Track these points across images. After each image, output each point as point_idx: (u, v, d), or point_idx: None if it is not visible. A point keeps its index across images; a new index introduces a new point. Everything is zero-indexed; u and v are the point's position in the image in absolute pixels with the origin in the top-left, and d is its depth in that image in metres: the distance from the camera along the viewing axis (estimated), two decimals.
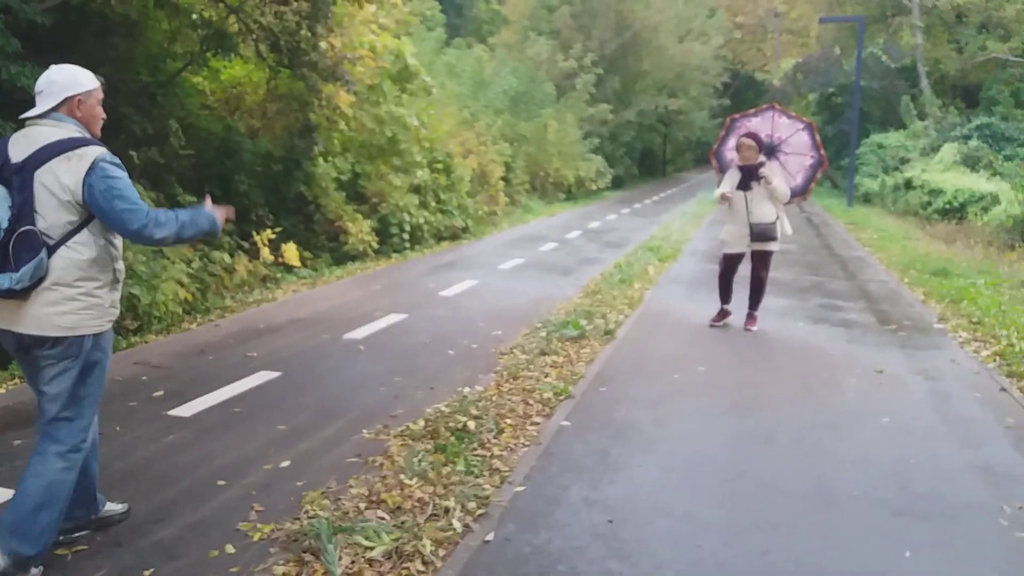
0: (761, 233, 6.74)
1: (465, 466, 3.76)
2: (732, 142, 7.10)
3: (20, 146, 2.79)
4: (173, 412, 4.58)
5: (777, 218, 6.77)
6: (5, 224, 2.69)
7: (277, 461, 3.93)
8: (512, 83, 21.83)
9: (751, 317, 7.11)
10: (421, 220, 12.38)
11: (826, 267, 11.25)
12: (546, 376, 5.34)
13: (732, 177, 6.86)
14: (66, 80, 2.87)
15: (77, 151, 2.77)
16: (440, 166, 13.76)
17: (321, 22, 9.86)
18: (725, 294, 7.25)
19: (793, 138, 7.09)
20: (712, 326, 7.17)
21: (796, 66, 34.55)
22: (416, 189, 12.81)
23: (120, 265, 2.99)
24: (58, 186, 2.74)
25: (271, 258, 9.35)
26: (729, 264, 7.14)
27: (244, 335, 6.50)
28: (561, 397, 4.89)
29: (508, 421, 4.44)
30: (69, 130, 2.83)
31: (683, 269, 10.53)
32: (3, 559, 2.76)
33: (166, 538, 3.19)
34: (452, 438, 4.11)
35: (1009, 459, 4.14)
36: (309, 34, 9.72)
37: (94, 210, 2.77)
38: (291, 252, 9.53)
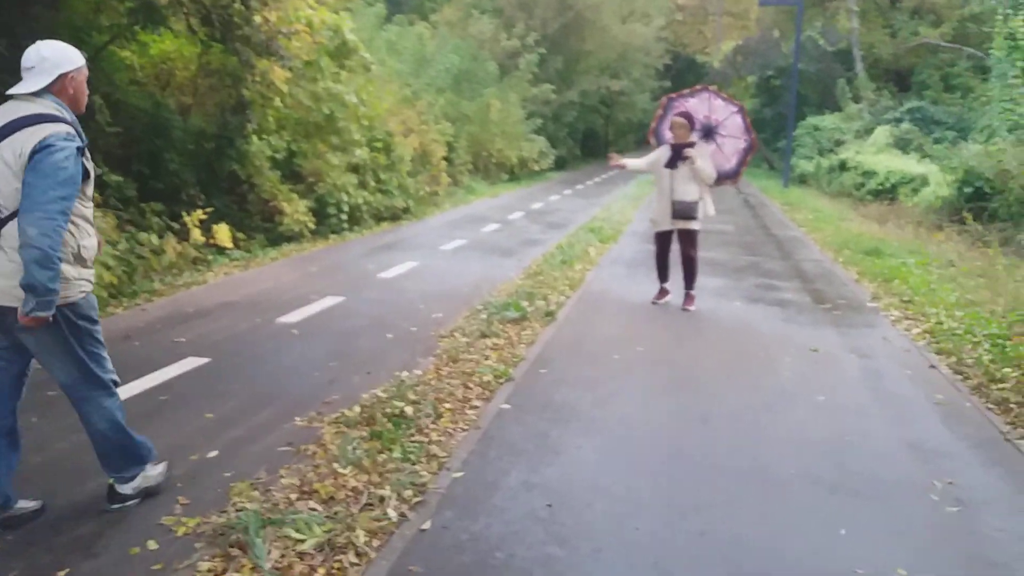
0: (682, 211, 6.84)
1: (402, 453, 3.67)
2: (669, 121, 7.14)
3: (1, 118, 2.81)
4: None
5: (700, 198, 6.87)
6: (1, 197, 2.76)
7: (204, 451, 3.76)
8: (455, 61, 21.54)
9: (688, 297, 7.17)
10: (360, 200, 12.13)
11: (762, 247, 11.41)
12: (486, 359, 5.26)
13: (662, 153, 6.97)
14: (57, 56, 2.88)
15: (35, 127, 2.77)
16: (380, 145, 13.48)
17: None
18: (662, 273, 7.34)
19: (728, 120, 7.18)
20: (654, 303, 7.26)
21: (736, 48, 35.02)
22: (355, 168, 12.53)
23: (88, 243, 2.98)
24: (13, 157, 2.75)
25: (202, 239, 9.04)
26: (661, 243, 7.23)
27: (172, 319, 6.25)
28: (501, 380, 4.82)
29: (447, 405, 4.35)
30: (46, 106, 2.85)
31: (623, 250, 10.56)
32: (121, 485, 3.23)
33: (84, 535, 3.02)
34: (389, 424, 4.00)
35: (939, 436, 4.23)
36: (242, 7, 9.37)
37: (24, 183, 2.73)
38: (223, 233, 9.22)
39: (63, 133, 2.78)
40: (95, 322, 3.11)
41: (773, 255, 10.66)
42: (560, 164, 29.33)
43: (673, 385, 4.87)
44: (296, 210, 10.68)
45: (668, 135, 7.13)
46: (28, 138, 2.74)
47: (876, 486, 3.56)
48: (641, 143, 59.17)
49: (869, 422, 4.39)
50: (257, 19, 9.66)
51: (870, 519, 3.24)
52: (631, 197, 18.98)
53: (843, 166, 23.08)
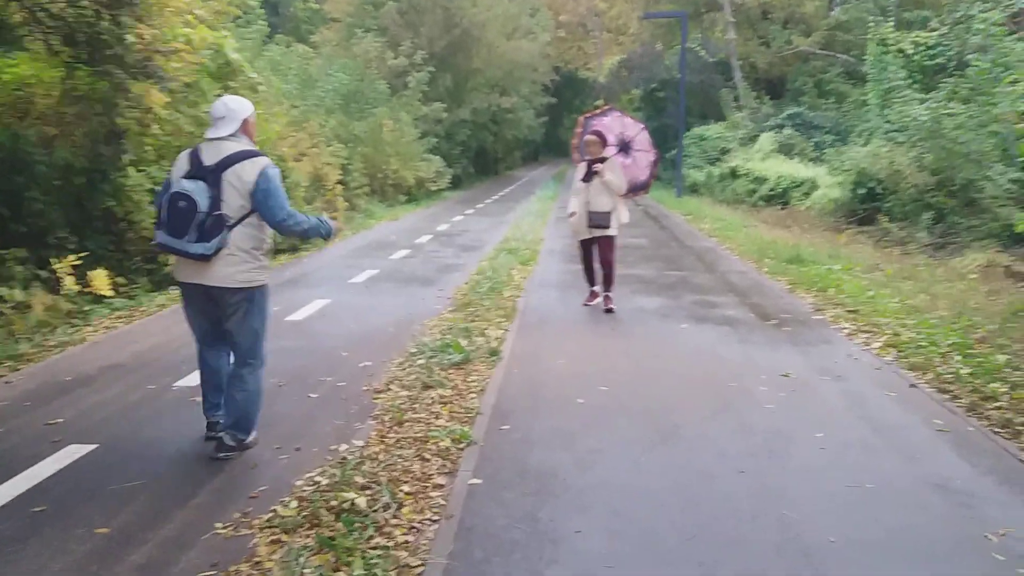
0: (597, 221, 7.41)
1: (364, 568, 2.87)
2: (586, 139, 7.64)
3: (209, 154, 3.78)
4: None
5: (613, 208, 7.43)
6: (206, 208, 3.67)
7: None
8: (343, 80, 20.53)
9: (607, 298, 7.67)
10: None
11: (683, 260, 11.11)
12: (437, 418, 4.50)
13: (581, 170, 7.60)
14: (240, 108, 3.90)
15: (252, 159, 3.79)
16: None
17: (126, 10, 8.43)
18: (589, 277, 7.92)
19: (639, 136, 7.85)
20: (585, 305, 7.80)
21: (621, 63, 35.48)
22: None
23: (270, 242, 4.05)
24: (239, 183, 3.74)
25: (76, 288, 7.84)
26: (584, 250, 7.79)
27: (45, 393, 5.17)
28: (461, 445, 4.08)
29: (405, 488, 3.57)
30: (244, 144, 3.85)
31: (547, 272, 9.99)
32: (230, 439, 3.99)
33: None
34: (338, 524, 3.20)
35: (960, 471, 3.80)
36: (112, 24, 8.27)
37: (255, 201, 3.77)
38: (100, 279, 8.03)
39: (270, 163, 3.87)
40: (268, 307, 4.09)
41: (697, 268, 10.35)
42: (456, 183, 28.66)
43: (657, 435, 4.27)
44: None
45: (586, 152, 7.62)
46: (250, 168, 3.77)
47: (928, 546, 3.06)
48: (527, 159, 59.58)
49: (881, 461, 3.93)
50: (130, 37, 8.56)
51: None
52: (535, 213, 18.53)
53: (734, 173, 23.48)
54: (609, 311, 7.50)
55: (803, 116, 26.16)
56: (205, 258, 3.70)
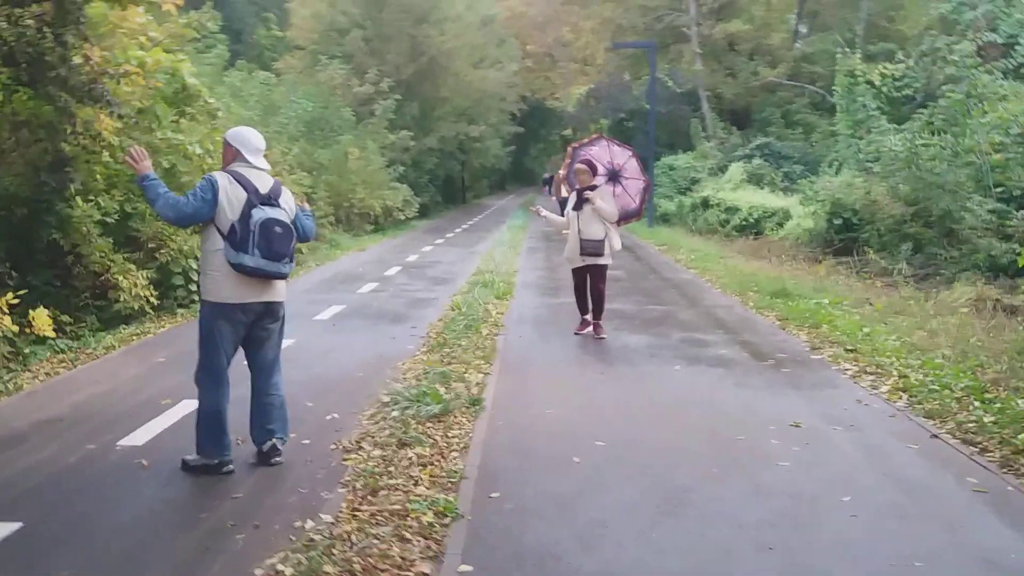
0: (590, 249, 7.39)
1: None
2: (575, 168, 7.61)
3: (261, 183, 4.11)
4: None
5: (605, 236, 7.39)
6: (295, 234, 4.19)
7: None
8: (307, 107, 20.01)
9: (597, 326, 7.68)
10: None
11: (663, 294, 10.73)
12: (416, 484, 3.96)
13: (571, 199, 7.54)
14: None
15: (284, 187, 4.25)
16: None
17: (71, 29, 7.86)
18: (582, 305, 7.79)
19: (628, 164, 7.79)
20: (576, 334, 7.71)
21: (589, 92, 35.42)
22: None
23: None
24: (288, 208, 4.20)
25: (14, 329, 7.17)
26: (578, 278, 7.74)
27: None
28: (446, 519, 3.55)
29: None
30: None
31: (524, 307, 9.51)
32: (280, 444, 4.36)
33: None
34: None
35: (1010, 542, 3.37)
36: (55, 44, 7.69)
37: (295, 225, 4.22)
38: (41, 319, 7.29)
39: None
40: None
41: (679, 302, 9.95)
42: (424, 212, 28.21)
43: (664, 501, 3.78)
44: (134, 284, 8.86)
45: (575, 181, 7.60)
46: (289, 195, 4.27)
47: None
48: (494, 188, 59.36)
49: (921, 531, 3.48)
50: (77, 59, 7.99)
51: None
52: (508, 244, 18.10)
53: (706, 204, 23.33)
54: (599, 339, 7.51)
55: (772, 146, 26.20)
56: (285, 277, 4.16)
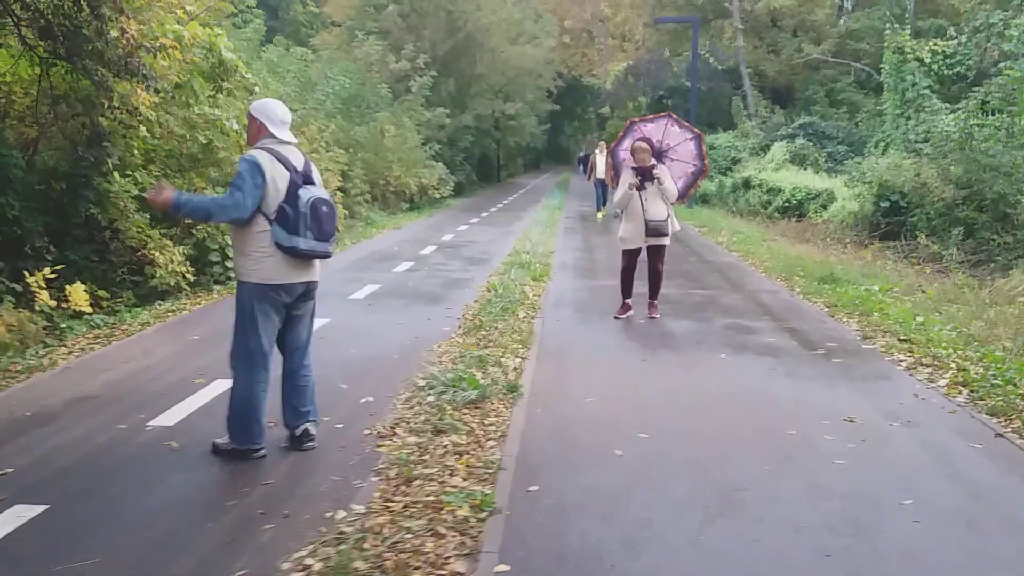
0: (655, 229, 7.21)
1: None
2: (627, 143, 7.45)
3: (295, 158, 3.97)
4: None
5: (668, 216, 7.29)
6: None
7: None
8: (344, 83, 19.86)
9: (652, 306, 7.59)
10: None
11: (706, 277, 10.43)
12: (452, 474, 3.80)
13: (628, 177, 7.25)
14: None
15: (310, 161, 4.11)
16: None
17: (107, 1, 7.76)
18: (627, 289, 7.60)
19: (680, 146, 7.65)
20: (616, 319, 7.50)
21: (627, 69, 34.82)
22: None
23: None
24: (320, 183, 4.08)
25: (51, 304, 7.17)
26: (630, 260, 7.52)
27: None
28: (482, 513, 3.39)
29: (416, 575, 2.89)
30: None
31: (562, 289, 9.30)
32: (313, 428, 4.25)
33: None
34: None
35: None
36: (92, 16, 7.60)
37: None
38: (77, 294, 7.35)
39: None
40: None
41: (723, 287, 9.66)
42: (458, 191, 28.00)
43: (715, 500, 3.58)
44: (171, 260, 8.84)
45: (623, 155, 7.50)
46: (316, 169, 4.10)
47: None
48: (529, 166, 58.85)
49: (990, 540, 3.24)
50: (113, 32, 7.90)
51: None
52: (544, 223, 17.85)
53: (747, 184, 22.81)
54: (653, 318, 7.46)
55: (815, 126, 25.54)
56: (328, 256, 4.02)
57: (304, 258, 3.92)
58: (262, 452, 4.08)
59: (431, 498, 3.53)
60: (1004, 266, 11.02)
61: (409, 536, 3.17)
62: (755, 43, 31.52)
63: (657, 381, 5.56)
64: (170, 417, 4.72)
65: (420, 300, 8.60)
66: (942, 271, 11.66)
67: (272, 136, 3.95)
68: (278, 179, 3.84)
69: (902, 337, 6.64)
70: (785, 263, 11.02)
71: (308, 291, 4.11)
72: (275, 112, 3.98)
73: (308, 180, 3.94)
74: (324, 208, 3.87)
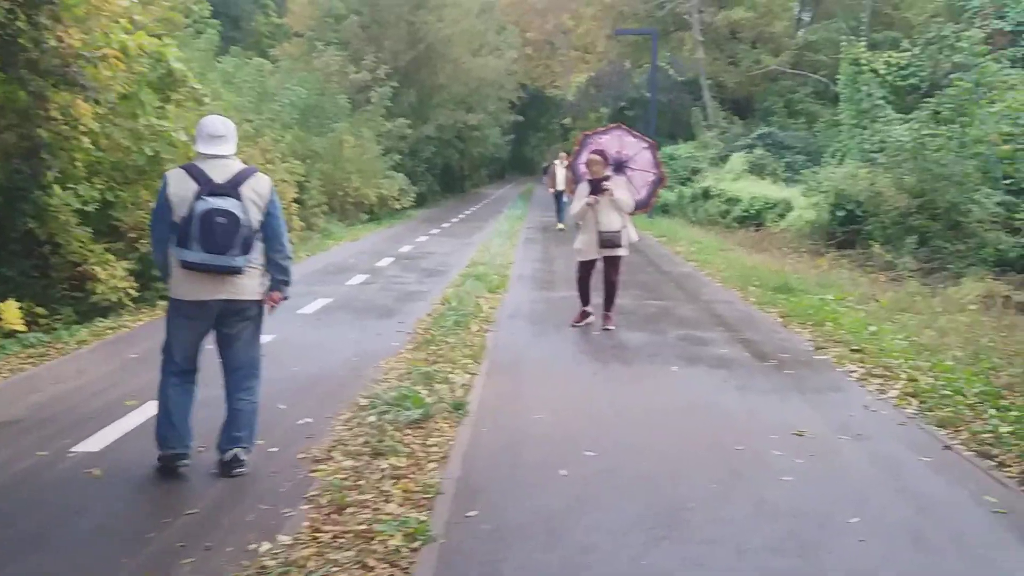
0: (608, 240, 7.24)
1: None
2: (585, 156, 7.47)
3: (217, 172, 3.85)
4: None
5: (623, 227, 7.31)
6: (248, 224, 3.80)
7: None
8: (301, 93, 19.59)
9: (607, 317, 7.52)
10: None
11: (662, 287, 10.40)
12: (387, 500, 3.64)
13: (583, 190, 7.33)
14: (233, 129, 4.00)
15: (259, 174, 3.98)
16: None
17: (44, 10, 7.52)
18: (584, 297, 7.65)
19: (639, 156, 7.76)
20: (573, 326, 7.57)
21: (589, 80, 34.97)
22: None
23: None
24: (258, 197, 3.89)
25: None
26: (584, 271, 7.56)
27: None
28: (416, 543, 3.23)
29: None
30: (239, 162, 3.99)
31: (519, 301, 9.18)
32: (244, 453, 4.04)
33: None
34: None
35: None
36: (28, 25, 7.35)
37: (267, 216, 3.93)
38: (10, 312, 7.01)
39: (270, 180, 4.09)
40: None
41: (678, 297, 9.63)
42: (420, 201, 27.79)
43: (659, 521, 3.47)
44: (113, 275, 8.55)
45: (583, 169, 7.47)
46: (263, 183, 3.95)
47: None
48: (493, 177, 58.82)
49: (939, 560, 3.17)
50: (51, 41, 7.64)
51: None
52: (504, 234, 17.75)
53: (706, 194, 22.98)
54: (608, 330, 7.39)
55: (774, 136, 25.81)
56: (240, 272, 3.81)
57: (202, 271, 3.78)
58: (183, 462, 4.02)
59: (362, 527, 3.36)
60: (956, 274, 11.15)
61: (335, 569, 3.00)
62: (715, 55, 31.82)
63: (607, 395, 5.45)
64: (96, 442, 4.49)
65: (372, 314, 8.42)
66: (896, 279, 11.76)
67: (199, 152, 3.92)
68: (182, 193, 3.78)
69: (854, 347, 6.63)
70: (741, 273, 11.03)
71: (233, 310, 3.95)
72: (203, 128, 3.94)
73: (223, 192, 3.78)
74: (219, 219, 3.72)
